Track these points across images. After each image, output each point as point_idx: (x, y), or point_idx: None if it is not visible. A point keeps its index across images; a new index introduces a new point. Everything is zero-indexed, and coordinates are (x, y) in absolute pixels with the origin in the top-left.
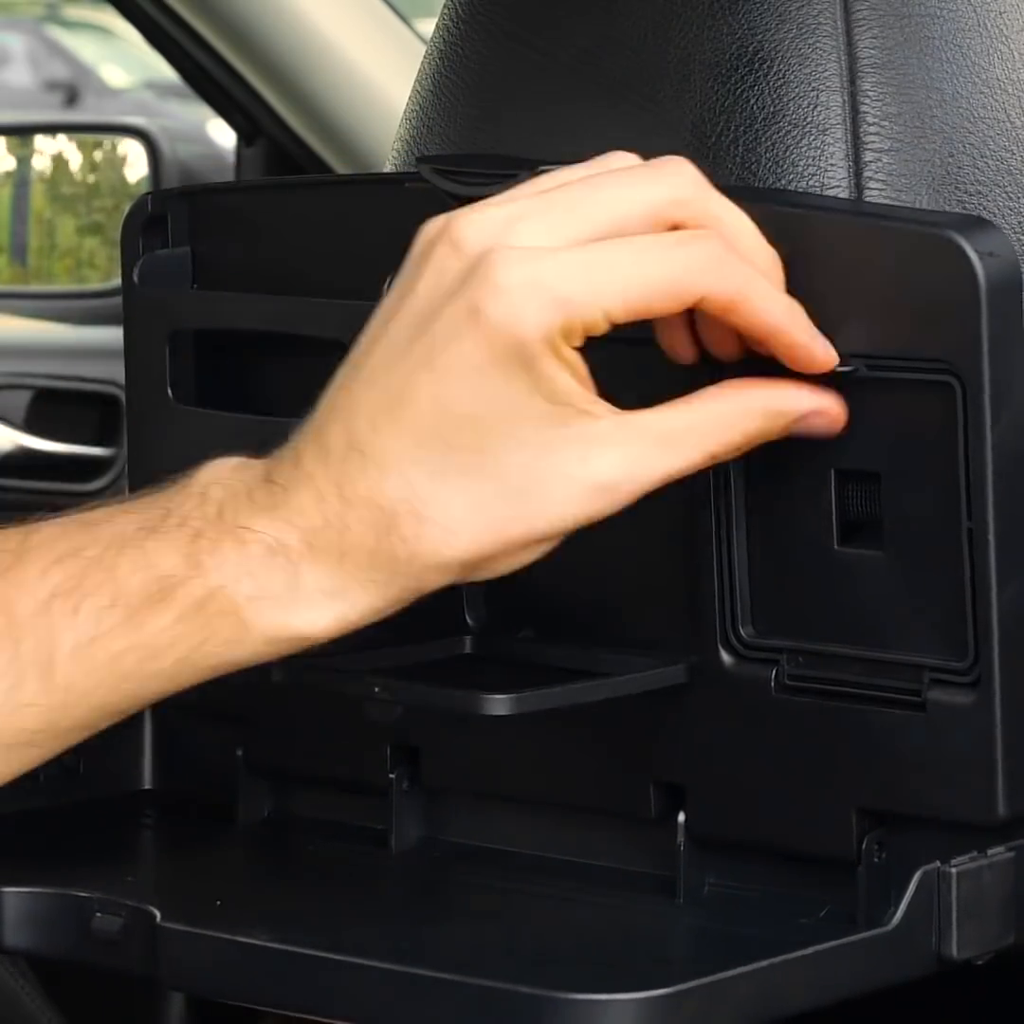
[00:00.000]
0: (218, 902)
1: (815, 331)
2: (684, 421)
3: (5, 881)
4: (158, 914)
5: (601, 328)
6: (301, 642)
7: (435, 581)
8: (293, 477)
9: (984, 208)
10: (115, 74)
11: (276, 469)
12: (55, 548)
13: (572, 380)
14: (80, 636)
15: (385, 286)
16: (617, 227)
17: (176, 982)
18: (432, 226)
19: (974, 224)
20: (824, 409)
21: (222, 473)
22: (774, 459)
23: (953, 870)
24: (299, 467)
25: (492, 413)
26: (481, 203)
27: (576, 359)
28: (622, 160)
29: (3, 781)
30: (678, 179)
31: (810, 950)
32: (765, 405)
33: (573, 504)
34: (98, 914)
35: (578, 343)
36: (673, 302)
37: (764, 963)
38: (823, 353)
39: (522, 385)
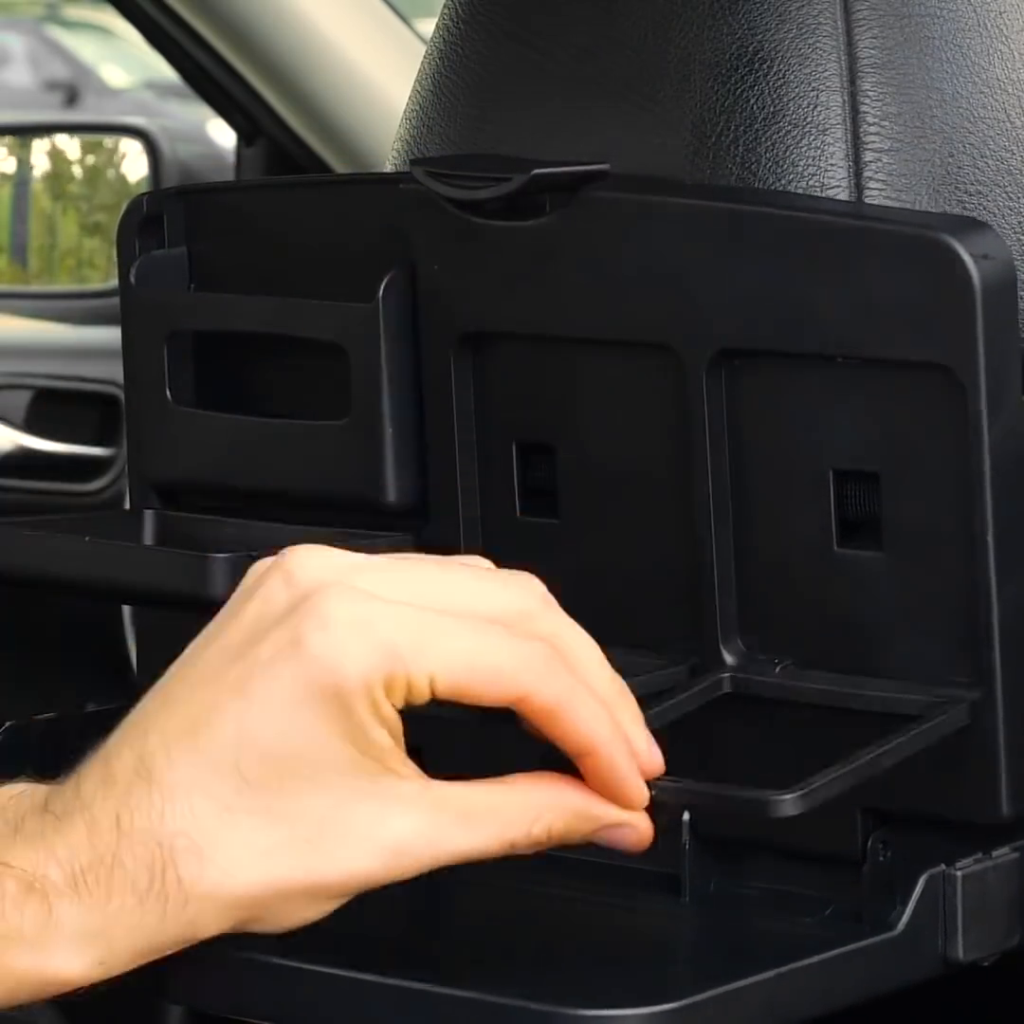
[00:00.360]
0: None
1: (635, 768)
2: (488, 802)
3: None
4: None
5: (423, 694)
6: (58, 986)
7: (211, 927)
8: (70, 805)
9: (984, 208)
10: (115, 74)
11: (55, 795)
12: None
13: (386, 735)
14: None
15: (383, 286)
16: (457, 607)
17: (180, 997)
18: (265, 560)
19: (969, 226)
20: (634, 824)
21: (2, 799)
22: (774, 460)
23: (958, 873)
24: (78, 794)
25: (297, 752)
26: (326, 548)
27: (394, 718)
28: (478, 561)
29: None
30: (527, 590)
31: (818, 958)
32: (576, 806)
33: (364, 862)
34: None
35: (398, 704)
36: (496, 690)
37: (772, 973)
38: (636, 791)
39: (335, 728)
